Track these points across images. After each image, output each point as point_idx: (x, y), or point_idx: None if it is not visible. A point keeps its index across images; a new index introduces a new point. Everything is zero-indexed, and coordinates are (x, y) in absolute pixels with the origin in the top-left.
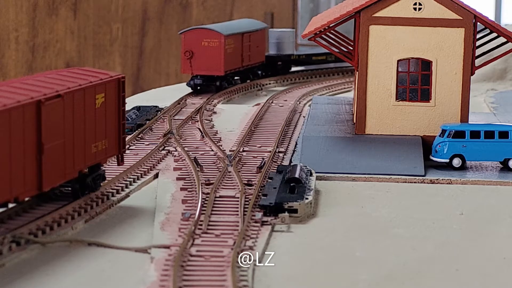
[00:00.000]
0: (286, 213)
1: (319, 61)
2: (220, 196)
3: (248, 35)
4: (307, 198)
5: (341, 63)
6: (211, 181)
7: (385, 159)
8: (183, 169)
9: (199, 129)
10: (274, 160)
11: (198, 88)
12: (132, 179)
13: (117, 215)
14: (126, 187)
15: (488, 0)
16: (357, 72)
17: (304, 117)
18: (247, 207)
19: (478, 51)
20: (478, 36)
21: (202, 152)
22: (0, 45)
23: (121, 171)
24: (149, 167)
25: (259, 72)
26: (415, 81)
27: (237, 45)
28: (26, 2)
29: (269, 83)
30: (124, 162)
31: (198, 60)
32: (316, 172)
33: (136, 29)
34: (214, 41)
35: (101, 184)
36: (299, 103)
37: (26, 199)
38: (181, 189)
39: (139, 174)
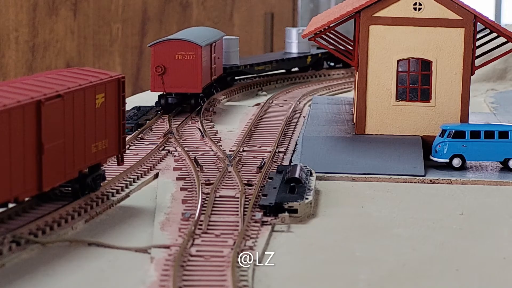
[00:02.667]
0: (286, 213)
1: (260, 71)
2: (220, 196)
3: (214, 45)
4: (307, 198)
5: (281, 70)
6: (211, 181)
7: (385, 159)
8: (183, 169)
9: (199, 129)
10: (274, 160)
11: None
12: (132, 179)
13: (117, 215)
14: (126, 187)
15: (488, 0)
16: (357, 72)
17: (304, 117)
18: (247, 207)
19: (478, 51)
20: (478, 36)
21: (202, 152)
22: (0, 45)
23: (121, 171)
24: (149, 167)
25: (218, 86)
26: (415, 81)
27: (208, 57)
28: (26, 2)
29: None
30: (124, 162)
31: (172, 76)
32: (316, 172)
33: (136, 29)
34: (189, 53)
35: (101, 184)
36: (299, 103)
37: (26, 199)
38: (181, 189)
39: (139, 174)
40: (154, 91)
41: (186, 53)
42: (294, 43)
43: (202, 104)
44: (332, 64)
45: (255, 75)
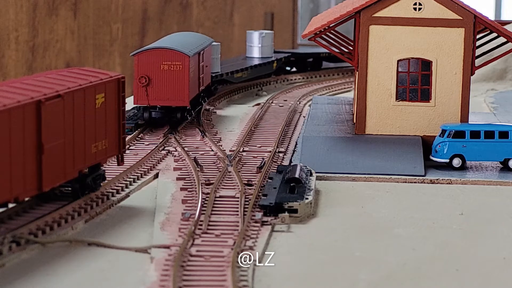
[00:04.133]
0: (286, 213)
1: (239, 78)
2: (220, 196)
3: (202, 53)
4: (307, 198)
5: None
6: (211, 181)
7: (385, 159)
8: (183, 169)
9: (199, 129)
10: (274, 160)
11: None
12: (132, 179)
13: (117, 215)
14: (126, 187)
15: (488, 0)
16: (357, 72)
17: (304, 117)
18: (247, 207)
19: (478, 51)
20: (478, 36)
21: (202, 152)
22: (0, 45)
23: (121, 171)
24: (149, 167)
25: (205, 97)
26: (415, 81)
27: (195, 67)
28: (26, 2)
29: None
30: (124, 162)
31: (157, 88)
32: (316, 172)
33: (136, 29)
34: (176, 63)
35: (101, 184)
36: (299, 103)
37: (26, 199)
38: (181, 189)
39: (139, 174)
40: (137, 103)
41: (172, 63)
42: (257, 47)
43: (189, 117)
44: (288, 68)
45: (235, 82)
